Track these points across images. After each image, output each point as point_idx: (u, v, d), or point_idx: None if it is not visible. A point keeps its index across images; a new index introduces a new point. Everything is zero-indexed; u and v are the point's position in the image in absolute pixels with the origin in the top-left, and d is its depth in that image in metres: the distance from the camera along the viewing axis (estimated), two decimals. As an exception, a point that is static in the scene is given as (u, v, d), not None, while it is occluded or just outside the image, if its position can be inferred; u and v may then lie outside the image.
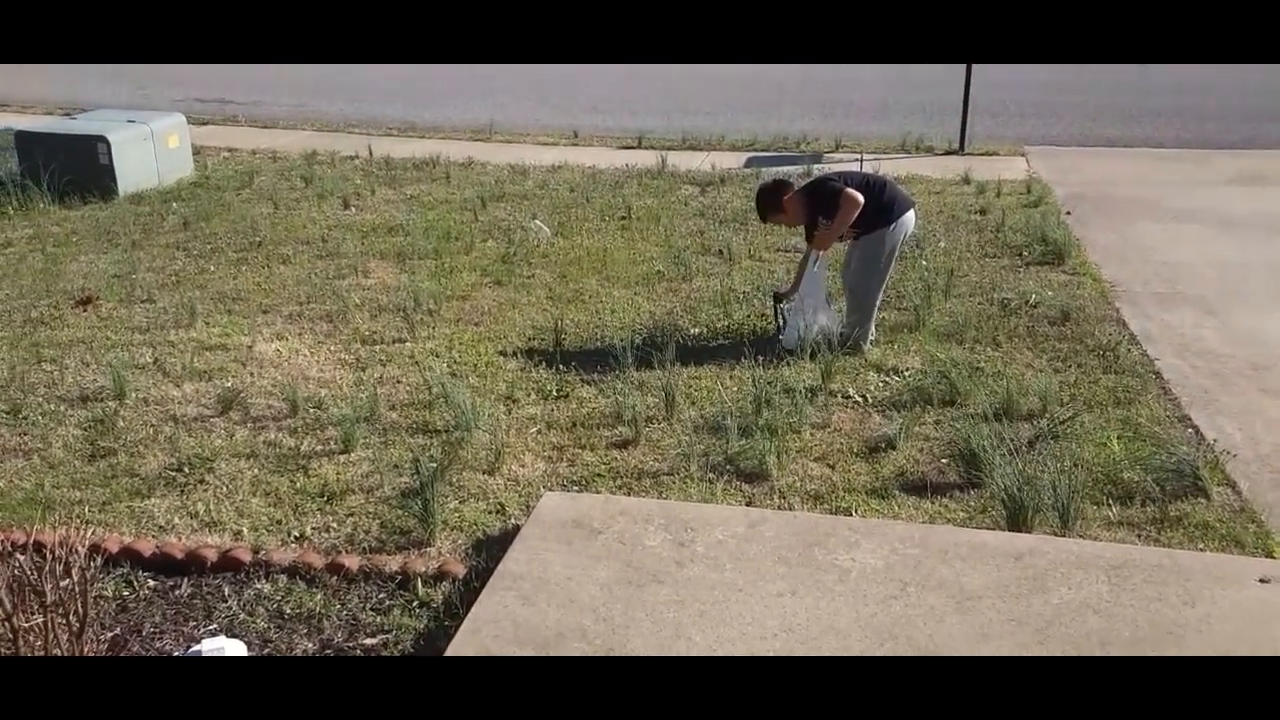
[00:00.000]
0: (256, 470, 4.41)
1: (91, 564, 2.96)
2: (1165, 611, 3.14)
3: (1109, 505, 4.06)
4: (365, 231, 7.88)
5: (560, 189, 9.20)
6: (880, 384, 5.18)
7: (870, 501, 4.13)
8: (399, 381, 5.26)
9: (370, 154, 10.54)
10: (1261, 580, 3.30)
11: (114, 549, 3.73)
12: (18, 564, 2.81)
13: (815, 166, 9.63)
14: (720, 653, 3.00)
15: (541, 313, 6.17)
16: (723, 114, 13.06)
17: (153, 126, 9.20)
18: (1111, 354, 5.44)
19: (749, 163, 10.25)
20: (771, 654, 2.98)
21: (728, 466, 4.39)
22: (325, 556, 3.74)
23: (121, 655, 3.24)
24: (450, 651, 3.05)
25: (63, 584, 2.87)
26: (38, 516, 3.99)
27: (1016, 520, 3.85)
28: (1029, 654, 2.96)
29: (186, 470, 4.40)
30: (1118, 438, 4.53)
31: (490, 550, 3.74)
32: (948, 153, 10.63)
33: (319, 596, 3.55)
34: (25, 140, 8.97)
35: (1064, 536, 3.75)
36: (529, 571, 3.40)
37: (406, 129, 12.33)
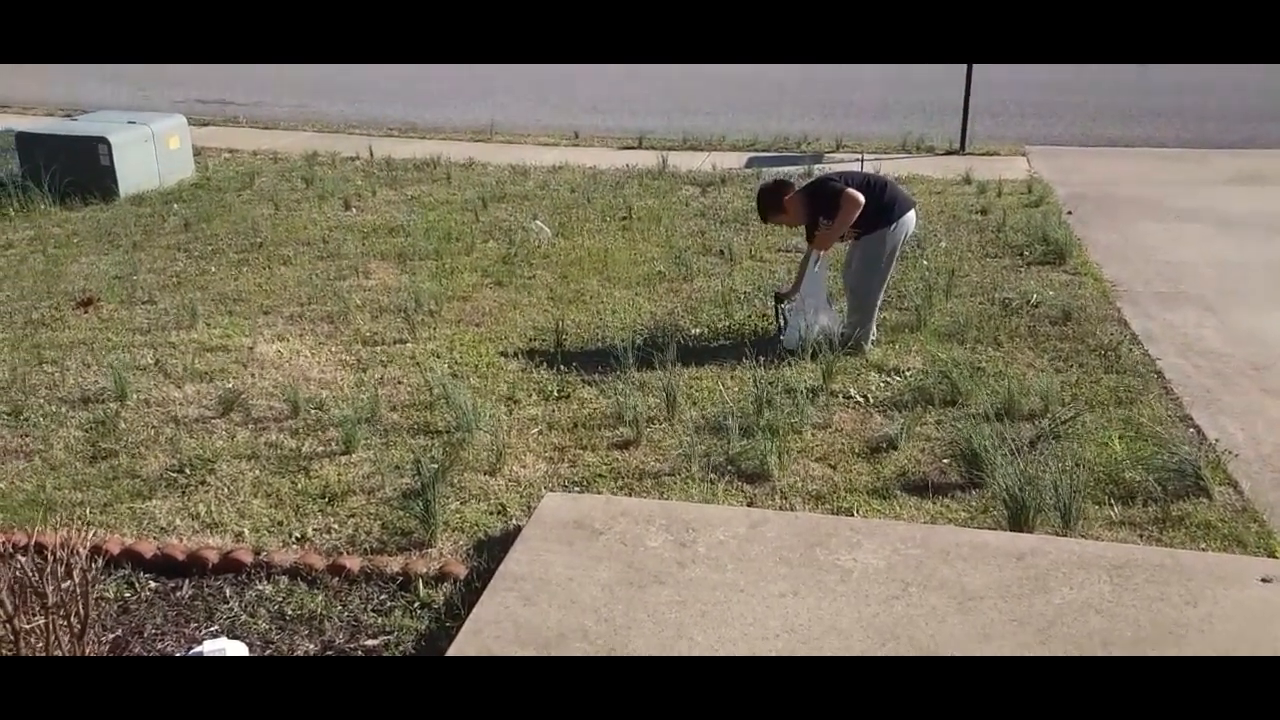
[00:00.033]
0: (258, 471, 4.41)
1: (93, 565, 2.96)
2: (1167, 611, 3.13)
3: (1111, 505, 4.06)
4: (366, 232, 7.88)
5: (561, 189, 9.20)
6: (881, 384, 5.17)
7: (872, 502, 4.13)
8: (400, 382, 5.26)
9: (371, 155, 10.55)
10: (1263, 580, 3.29)
11: (115, 550, 3.73)
12: (19, 565, 2.81)
13: (816, 166, 9.63)
14: (722, 653, 3.00)
15: (542, 313, 6.17)
16: (723, 114, 13.06)
17: (153, 128, 9.21)
18: (1113, 354, 5.43)
19: (750, 163, 10.25)
20: (773, 654, 2.98)
21: (729, 467, 4.39)
22: (326, 558, 3.74)
23: (123, 656, 3.24)
24: (452, 652, 3.05)
25: (64, 585, 2.87)
26: (39, 518, 3.99)
27: (1018, 520, 3.84)
28: (1031, 654, 2.96)
29: (188, 471, 4.40)
30: (1119, 437, 4.53)
31: (491, 551, 3.74)
32: (948, 153, 10.62)
33: (320, 598, 3.55)
34: (26, 141, 8.97)
35: (1066, 536, 3.75)
36: (530, 572, 3.40)
37: (407, 130, 12.33)
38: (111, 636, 3.33)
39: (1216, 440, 4.50)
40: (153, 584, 3.65)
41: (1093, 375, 5.20)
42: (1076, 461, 4.32)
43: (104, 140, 8.72)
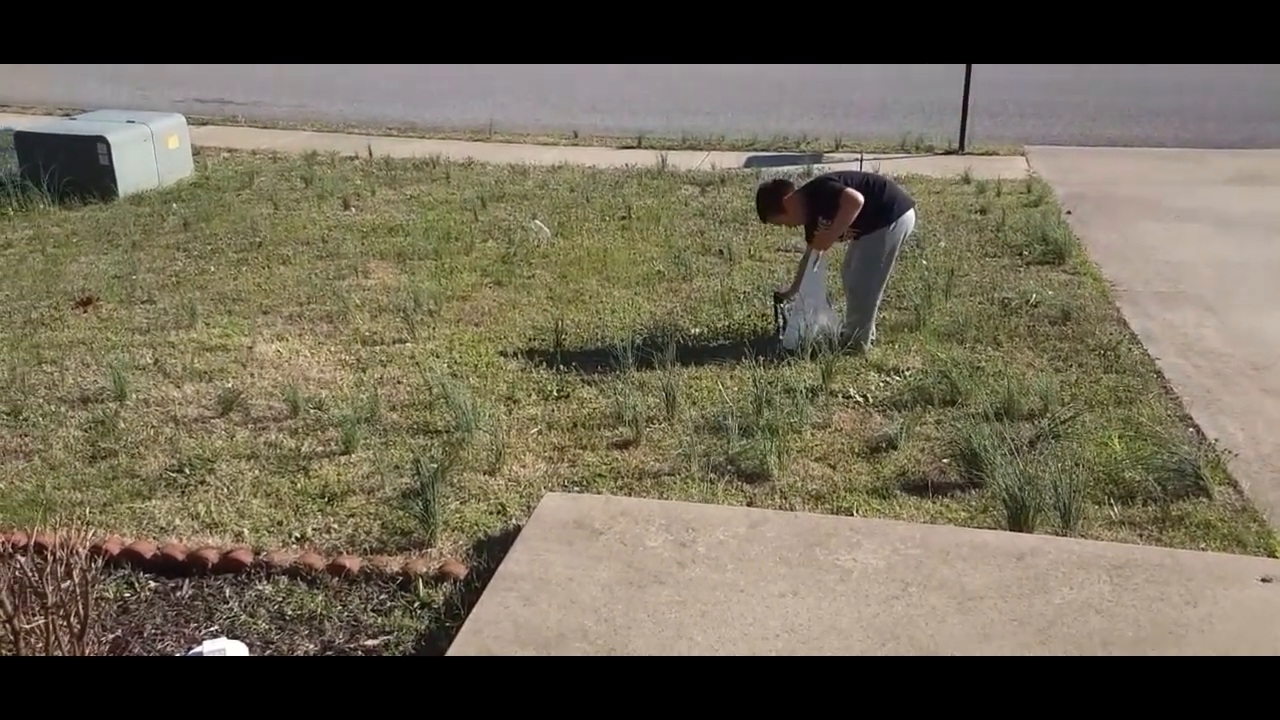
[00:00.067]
0: (257, 471, 4.41)
1: (92, 565, 2.96)
2: (1167, 611, 3.13)
3: (1110, 505, 4.06)
4: (365, 232, 7.88)
5: (560, 189, 9.20)
6: (881, 384, 5.17)
7: (871, 501, 4.13)
8: (399, 382, 5.26)
9: (370, 154, 10.54)
10: (1263, 580, 3.29)
11: (115, 550, 3.73)
12: (19, 565, 2.81)
13: (815, 166, 9.63)
14: (722, 653, 2.99)
15: (542, 313, 6.17)
16: (722, 114, 13.06)
17: (152, 127, 9.20)
18: (1112, 353, 5.43)
19: (749, 162, 10.25)
20: (773, 654, 2.98)
21: (729, 467, 4.39)
22: (326, 557, 3.74)
23: (122, 656, 3.24)
24: (451, 652, 3.05)
25: (64, 585, 2.87)
26: (38, 518, 3.98)
27: (1018, 520, 3.84)
28: (1031, 654, 2.96)
29: (187, 471, 4.40)
30: (1119, 437, 4.53)
31: (491, 551, 3.74)
32: (948, 152, 10.63)
33: (320, 597, 3.54)
34: (25, 141, 8.97)
35: (1065, 536, 3.75)
36: (530, 572, 3.40)
37: (406, 129, 12.32)
38: (111, 636, 3.33)
39: (1216, 440, 4.50)
40: (152, 584, 3.64)
41: (1092, 375, 5.20)
42: (1076, 461, 4.32)
43: (103, 140, 8.71)
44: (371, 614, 3.46)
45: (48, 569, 2.84)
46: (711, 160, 10.24)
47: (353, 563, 3.69)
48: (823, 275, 5.74)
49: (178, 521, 4.05)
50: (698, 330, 5.93)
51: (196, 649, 3.18)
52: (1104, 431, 4.59)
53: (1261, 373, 5.23)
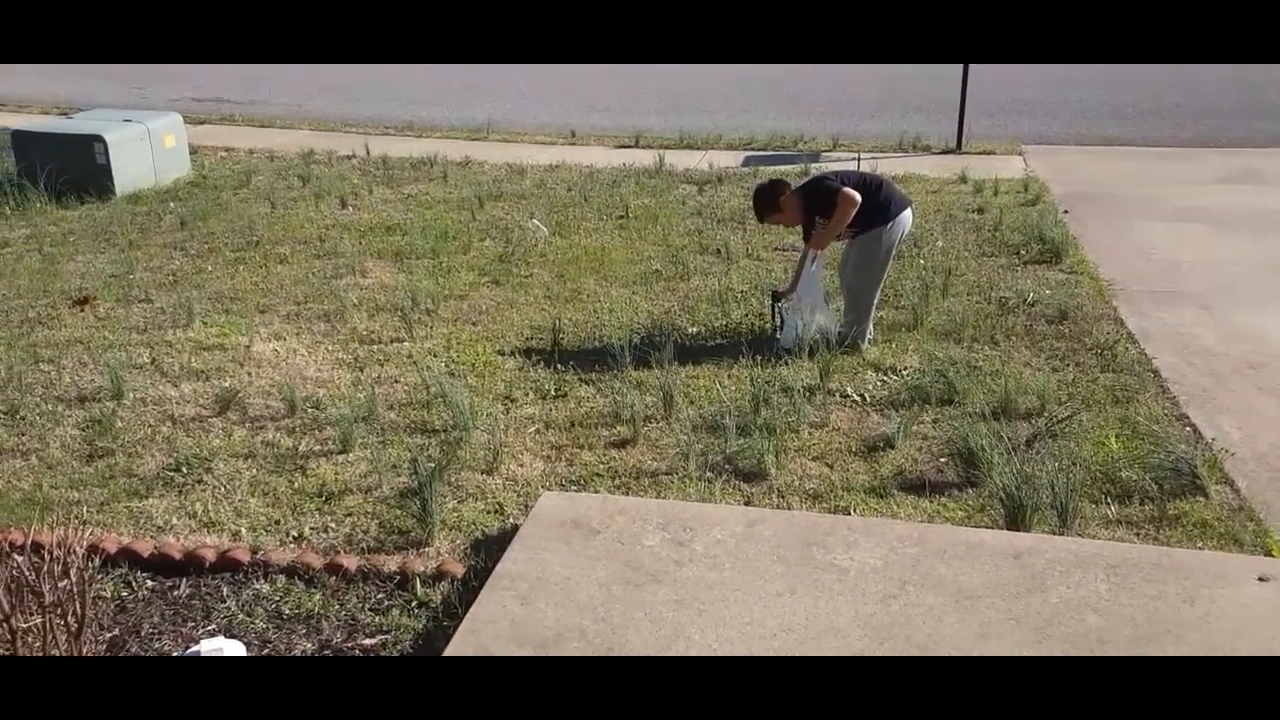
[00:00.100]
0: (254, 470, 4.40)
1: (90, 564, 2.96)
2: (1164, 610, 3.14)
3: (1107, 504, 4.06)
4: (363, 231, 7.87)
5: (558, 188, 9.20)
6: (878, 383, 5.18)
7: (869, 501, 4.13)
8: (397, 381, 5.26)
9: (367, 153, 10.54)
10: (1260, 579, 3.30)
11: (112, 549, 3.73)
12: (16, 565, 2.81)
13: (813, 165, 9.64)
14: (719, 652, 3.00)
15: (539, 312, 6.17)
16: (720, 113, 13.06)
17: (149, 126, 9.19)
18: (1109, 352, 5.44)
19: (746, 162, 10.25)
20: (771, 653, 2.98)
21: (726, 466, 4.39)
22: (324, 557, 3.74)
23: (120, 656, 3.24)
24: (449, 651, 3.05)
25: (61, 585, 2.87)
26: (35, 517, 3.98)
27: (1015, 519, 3.85)
28: (1028, 653, 2.96)
29: (184, 470, 4.39)
30: (1116, 436, 4.54)
31: (489, 550, 3.74)
32: (945, 151, 10.63)
33: (317, 597, 3.54)
34: (22, 140, 8.95)
35: (1062, 535, 3.75)
36: (528, 571, 3.40)
37: (404, 128, 12.32)
38: (109, 636, 3.33)
39: (1213, 439, 4.51)
40: (150, 583, 3.64)
41: (1089, 374, 5.21)
42: (1073, 460, 4.32)
43: (100, 139, 8.70)
44: (369, 613, 3.46)
45: (45, 568, 2.84)
46: (709, 159, 10.25)
47: (350, 562, 3.69)
48: (820, 274, 5.74)
49: (175, 520, 4.05)
50: (695, 329, 5.93)
51: (194, 648, 3.18)
52: (1101, 430, 4.60)
53: (1258, 371, 5.24)
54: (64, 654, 2.87)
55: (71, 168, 8.68)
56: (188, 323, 5.99)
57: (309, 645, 3.32)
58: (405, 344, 5.73)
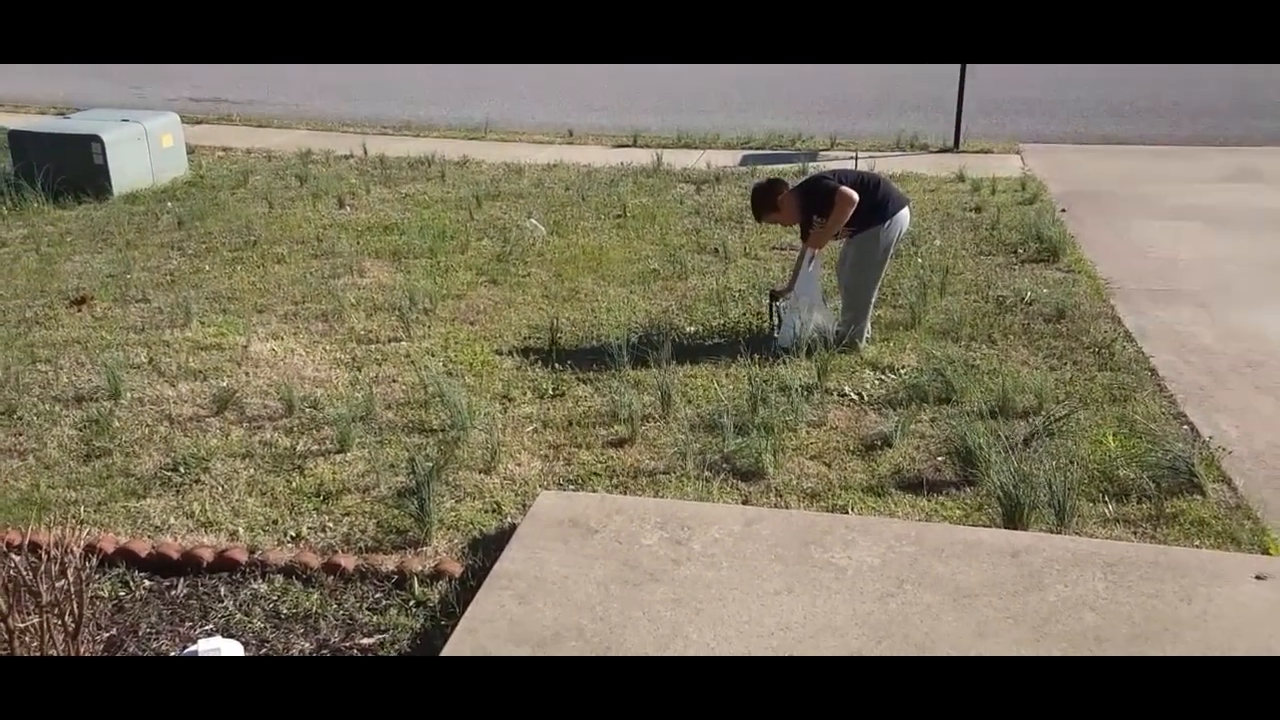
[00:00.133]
0: (252, 470, 4.40)
1: (87, 564, 2.96)
2: (1162, 608, 3.14)
3: (1105, 502, 4.06)
4: (360, 230, 7.87)
5: (555, 187, 9.19)
6: (876, 382, 5.18)
7: (866, 499, 4.13)
8: (394, 381, 5.26)
9: (365, 153, 10.53)
10: (1258, 577, 3.30)
11: (110, 549, 3.72)
12: (13, 564, 2.81)
13: (811, 164, 9.64)
14: (717, 651, 3.00)
15: (537, 311, 6.17)
16: (718, 112, 13.06)
17: (147, 126, 9.18)
18: (1107, 351, 5.44)
19: (744, 161, 10.25)
20: (768, 653, 2.98)
21: (724, 465, 4.39)
22: (321, 556, 3.74)
23: (117, 656, 3.24)
24: (447, 651, 3.05)
25: (58, 584, 2.86)
26: (33, 517, 3.98)
27: (1012, 518, 3.85)
28: (1026, 651, 2.96)
29: (182, 470, 4.39)
30: (1113, 435, 4.54)
31: (487, 549, 3.74)
32: (943, 150, 10.63)
33: (315, 596, 3.54)
34: (19, 140, 8.94)
35: (1060, 534, 3.75)
36: (525, 571, 3.40)
37: (401, 128, 12.31)
38: (106, 636, 3.33)
39: (1210, 437, 4.51)
40: (147, 583, 3.64)
41: (1087, 372, 5.21)
42: (1071, 459, 4.33)
43: (97, 138, 8.69)
44: (367, 613, 3.46)
45: (42, 568, 2.83)
46: (707, 159, 10.24)
47: (348, 561, 3.68)
48: (818, 273, 5.74)
49: (172, 520, 4.04)
50: (693, 328, 5.93)
51: (191, 648, 3.18)
52: (1098, 429, 4.60)
53: (1255, 370, 5.24)
54: (61, 654, 2.87)
55: (69, 167, 8.67)
56: (185, 322, 5.98)
57: (307, 645, 3.32)
58: (403, 343, 5.72)
